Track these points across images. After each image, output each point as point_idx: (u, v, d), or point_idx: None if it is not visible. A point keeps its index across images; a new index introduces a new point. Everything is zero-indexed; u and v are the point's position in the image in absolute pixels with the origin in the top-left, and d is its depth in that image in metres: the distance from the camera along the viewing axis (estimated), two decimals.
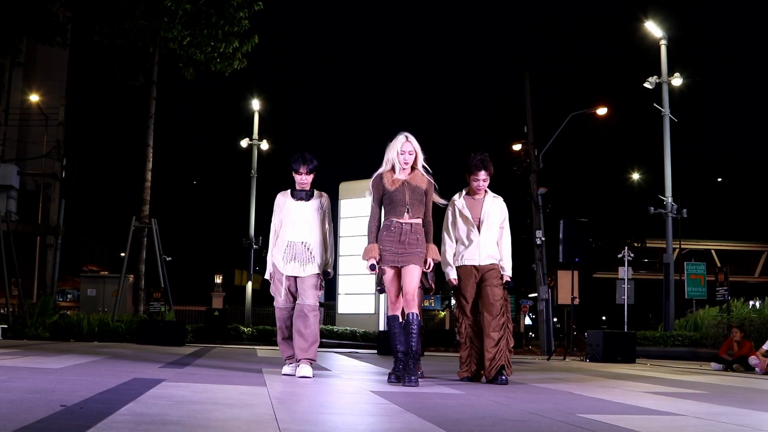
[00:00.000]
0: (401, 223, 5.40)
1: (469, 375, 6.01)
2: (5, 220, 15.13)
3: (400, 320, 5.45)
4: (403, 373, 5.32)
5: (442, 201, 5.78)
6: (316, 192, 5.89)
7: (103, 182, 34.94)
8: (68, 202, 19.39)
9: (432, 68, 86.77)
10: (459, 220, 6.06)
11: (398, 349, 5.43)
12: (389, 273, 5.45)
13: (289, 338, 5.77)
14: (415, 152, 5.48)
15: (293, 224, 5.77)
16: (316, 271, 5.72)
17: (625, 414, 4.00)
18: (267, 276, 5.92)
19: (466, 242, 5.99)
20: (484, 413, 3.78)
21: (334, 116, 78.76)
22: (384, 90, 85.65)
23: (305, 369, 5.53)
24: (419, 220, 5.45)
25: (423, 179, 5.49)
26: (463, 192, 6.17)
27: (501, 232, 6.08)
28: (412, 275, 5.36)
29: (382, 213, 5.56)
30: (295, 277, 5.72)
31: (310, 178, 5.83)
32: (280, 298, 5.77)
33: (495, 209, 6.06)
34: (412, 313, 5.35)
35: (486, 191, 6.10)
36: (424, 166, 5.55)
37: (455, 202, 6.12)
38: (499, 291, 5.92)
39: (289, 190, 5.93)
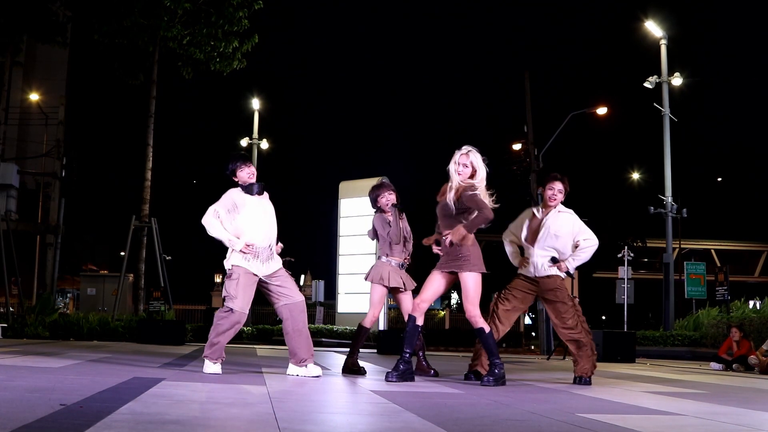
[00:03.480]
0: (443, 235, 5.40)
1: (475, 371, 5.96)
2: (5, 219, 15.14)
3: (419, 323, 5.48)
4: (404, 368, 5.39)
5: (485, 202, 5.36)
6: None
7: (103, 182, 34.96)
8: (68, 201, 19.41)
9: (432, 68, 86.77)
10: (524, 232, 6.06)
11: (405, 350, 5.44)
12: (435, 272, 5.47)
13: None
14: (471, 166, 5.35)
15: (258, 226, 5.39)
16: (281, 264, 5.54)
17: (624, 413, 4.00)
18: (229, 266, 5.37)
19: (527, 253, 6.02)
20: (484, 413, 3.77)
21: (335, 115, 78.76)
22: (384, 89, 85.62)
23: (316, 368, 5.54)
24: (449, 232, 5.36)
25: (459, 190, 5.33)
26: (539, 206, 6.11)
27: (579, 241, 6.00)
28: (466, 284, 5.31)
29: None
30: (257, 277, 5.40)
31: (255, 171, 5.55)
32: (244, 301, 5.32)
33: (560, 223, 5.97)
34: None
35: (558, 205, 6.03)
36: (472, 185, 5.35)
37: (525, 215, 6.13)
38: (564, 304, 5.92)
39: (239, 188, 5.50)
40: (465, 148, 5.41)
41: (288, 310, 5.45)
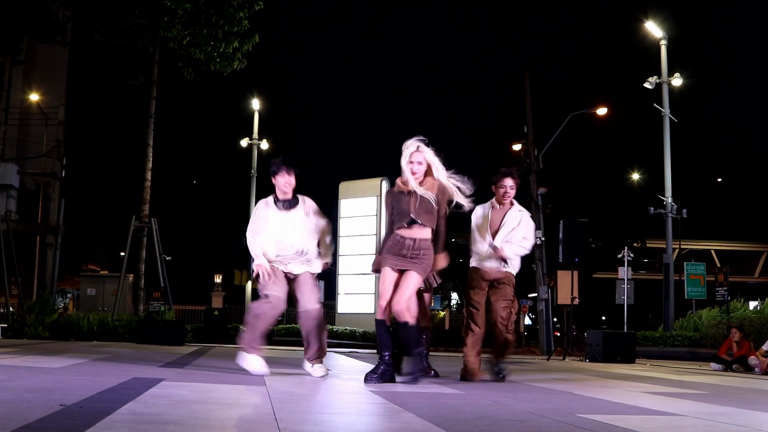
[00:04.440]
0: (404, 238, 5.17)
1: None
2: (5, 219, 15.15)
3: (387, 324, 5.26)
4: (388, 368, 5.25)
5: (467, 203, 5.38)
6: (299, 197, 5.58)
7: (103, 182, 34.93)
8: (68, 202, 19.41)
9: (432, 68, 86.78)
10: (477, 229, 6.00)
11: (384, 353, 5.29)
12: (388, 272, 5.20)
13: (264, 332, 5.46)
14: (426, 162, 5.18)
15: (281, 240, 5.46)
16: (313, 270, 5.57)
17: (624, 414, 4.00)
18: (257, 264, 5.41)
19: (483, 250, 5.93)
20: (483, 413, 3.77)
21: (335, 116, 78.79)
22: (384, 90, 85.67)
23: (321, 370, 5.61)
24: (426, 232, 5.19)
25: (434, 185, 5.20)
26: (489, 203, 6.04)
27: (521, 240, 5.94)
28: (408, 282, 5.13)
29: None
30: (287, 277, 5.51)
31: (293, 181, 5.49)
32: (275, 285, 5.34)
33: (514, 220, 5.91)
34: (406, 323, 5.15)
35: (512, 203, 5.99)
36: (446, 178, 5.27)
37: (476, 211, 5.97)
38: (506, 300, 5.90)
39: (270, 198, 5.54)
40: (414, 144, 5.21)
41: (301, 317, 5.55)
